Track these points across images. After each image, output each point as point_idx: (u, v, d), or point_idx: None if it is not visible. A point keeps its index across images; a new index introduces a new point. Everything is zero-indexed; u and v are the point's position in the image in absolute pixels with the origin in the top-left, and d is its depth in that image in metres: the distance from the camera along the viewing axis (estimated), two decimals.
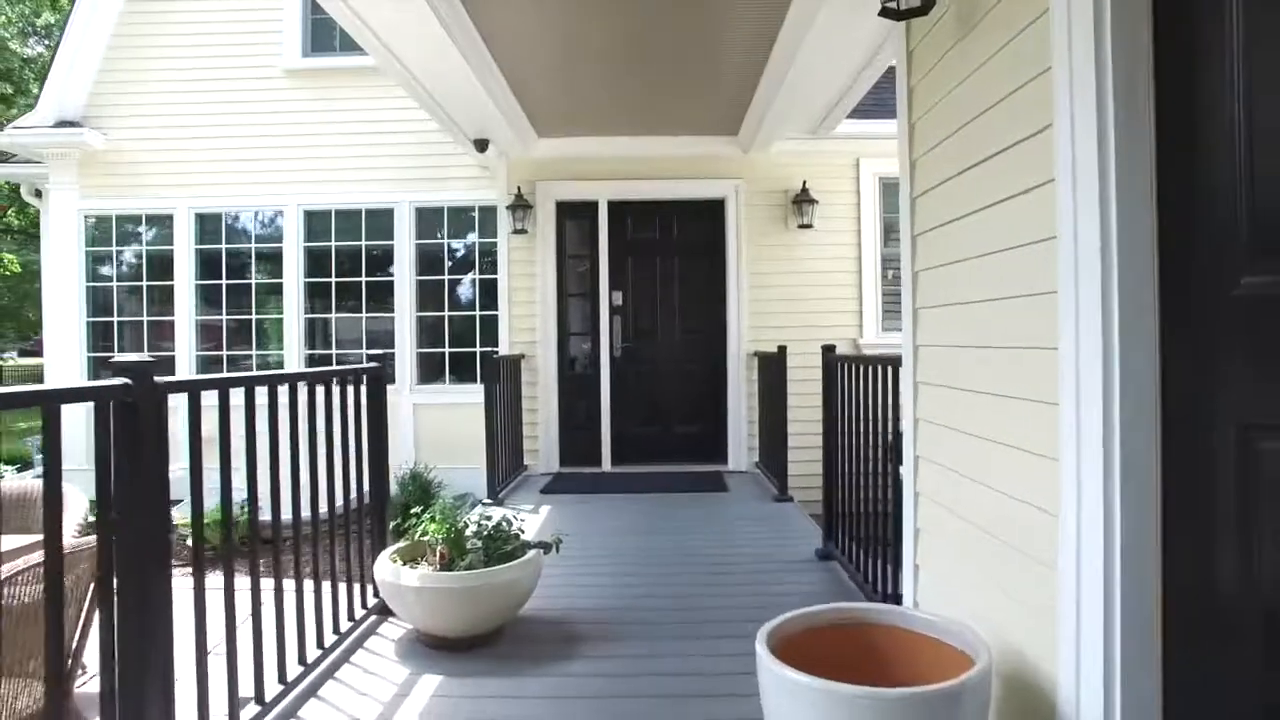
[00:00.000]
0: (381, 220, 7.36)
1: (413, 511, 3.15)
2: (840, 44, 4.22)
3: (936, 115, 2.30)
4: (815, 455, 6.19)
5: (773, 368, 5.43)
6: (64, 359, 7.30)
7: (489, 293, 7.18)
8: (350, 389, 2.99)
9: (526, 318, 6.38)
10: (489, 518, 3.12)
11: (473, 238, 7.44)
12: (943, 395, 2.31)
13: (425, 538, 3.00)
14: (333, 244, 7.39)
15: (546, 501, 5.34)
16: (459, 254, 7.45)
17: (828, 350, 3.78)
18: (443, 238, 7.41)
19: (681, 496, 5.43)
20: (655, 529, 4.55)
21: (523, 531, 3.10)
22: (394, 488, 6.63)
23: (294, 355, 7.30)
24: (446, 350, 7.38)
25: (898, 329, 6.76)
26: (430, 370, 7.42)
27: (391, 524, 3.46)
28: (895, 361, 2.72)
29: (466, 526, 3.05)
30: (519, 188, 6.29)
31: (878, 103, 6.66)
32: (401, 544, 3.04)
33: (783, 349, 5.24)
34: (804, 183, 6.30)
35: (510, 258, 6.39)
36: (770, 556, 3.97)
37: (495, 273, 6.95)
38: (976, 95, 2.00)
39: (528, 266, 6.39)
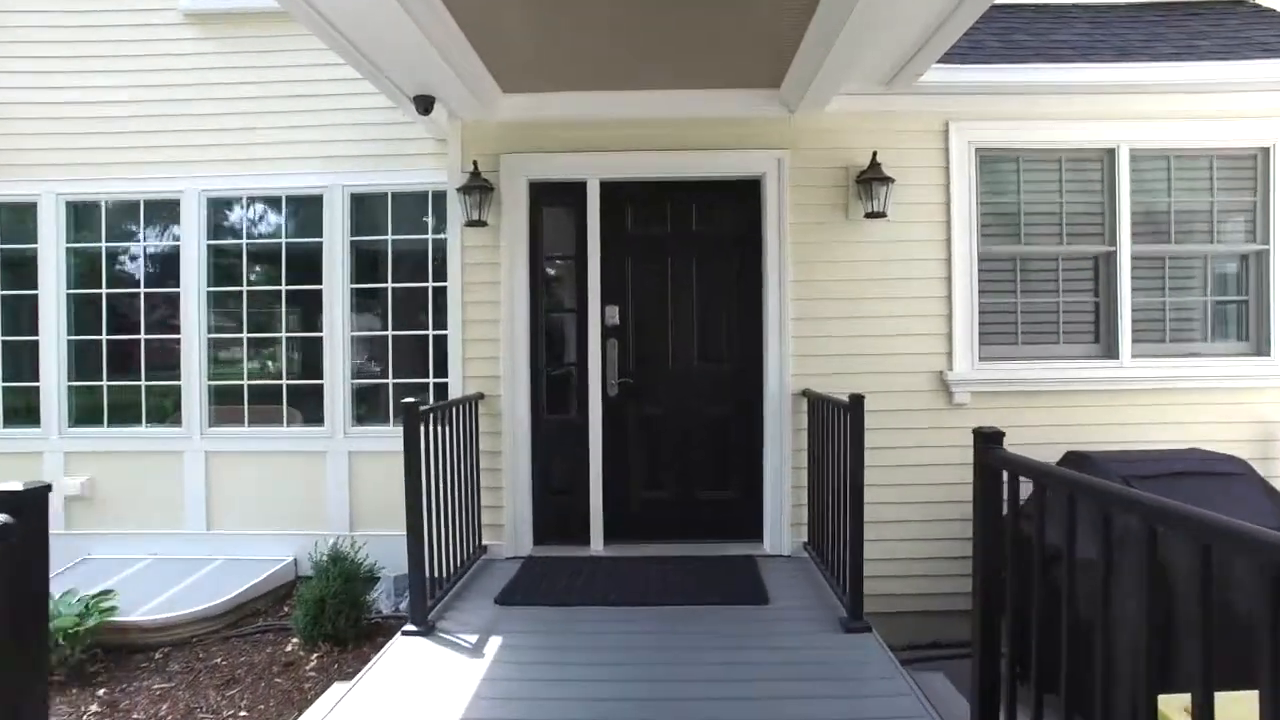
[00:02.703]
0: (308, 210, 5.63)
1: None
2: None
3: None
4: (888, 534, 4.49)
5: (839, 423, 3.65)
6: None
7: (445, 306, 5.43)
8: None
9: (487, 342, 4.63)
10: None
11: (427, 233, 5.68)
12: None
13: None
14: (244, 241, 5.67)
15: (501, 624, 3.58)
16: (409, 255, 5.68)
17: (989, 442, 1.97)
18: (388, 233, 5.66)
19: (699, 615, 3.63)
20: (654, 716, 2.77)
21: None
22: (309, 570, 4.98)
23: (195, 388, 5.59)
24: (390, 381, 5.63)
25: (1001, 358, 4.46)
26: (373, 407, 5.67)
27: None
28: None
29: None
30: (475, 163, 4.52)
31: (974, 44, 4.86)
32: None
33: (858, 400, 3.44)
34: (874, 155, 4.49)
35: (464, 260, 4.63)
36: None
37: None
38: None
39: (489, 272, 4.63)
